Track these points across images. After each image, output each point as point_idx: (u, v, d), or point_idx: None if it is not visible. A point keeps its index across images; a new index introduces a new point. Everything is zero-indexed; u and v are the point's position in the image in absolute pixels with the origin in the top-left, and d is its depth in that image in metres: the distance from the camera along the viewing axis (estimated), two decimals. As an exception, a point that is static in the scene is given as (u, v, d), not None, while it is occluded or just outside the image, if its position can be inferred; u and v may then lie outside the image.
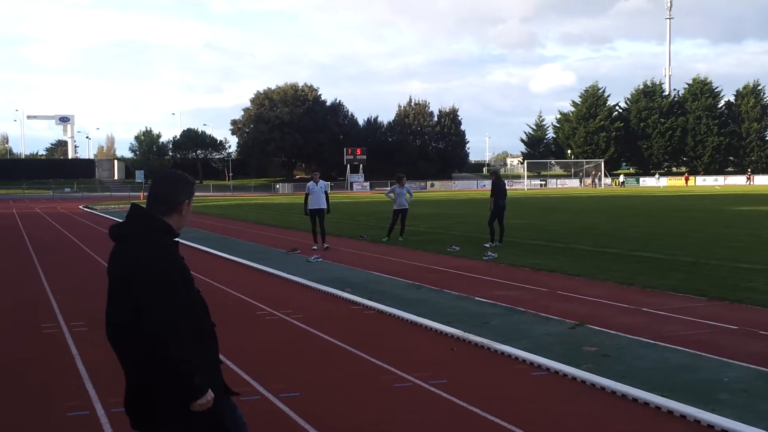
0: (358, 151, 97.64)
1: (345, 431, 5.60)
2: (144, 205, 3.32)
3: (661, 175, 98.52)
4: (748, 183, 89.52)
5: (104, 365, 7.60)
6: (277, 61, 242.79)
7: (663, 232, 21.82)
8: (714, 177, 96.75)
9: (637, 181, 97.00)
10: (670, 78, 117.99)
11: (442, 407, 6.12)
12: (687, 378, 6.78)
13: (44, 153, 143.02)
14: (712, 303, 10.45)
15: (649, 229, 23.36)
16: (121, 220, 3.29)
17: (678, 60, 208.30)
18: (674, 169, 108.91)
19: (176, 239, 3.29)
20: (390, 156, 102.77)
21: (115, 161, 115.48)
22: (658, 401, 5.96)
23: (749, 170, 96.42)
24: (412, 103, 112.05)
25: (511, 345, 7.95)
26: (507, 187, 19.92)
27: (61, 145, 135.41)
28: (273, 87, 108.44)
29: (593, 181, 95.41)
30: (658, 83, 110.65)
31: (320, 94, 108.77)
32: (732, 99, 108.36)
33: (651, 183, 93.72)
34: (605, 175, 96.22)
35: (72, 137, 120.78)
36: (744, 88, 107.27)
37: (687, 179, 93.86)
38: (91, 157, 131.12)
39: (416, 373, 7.03)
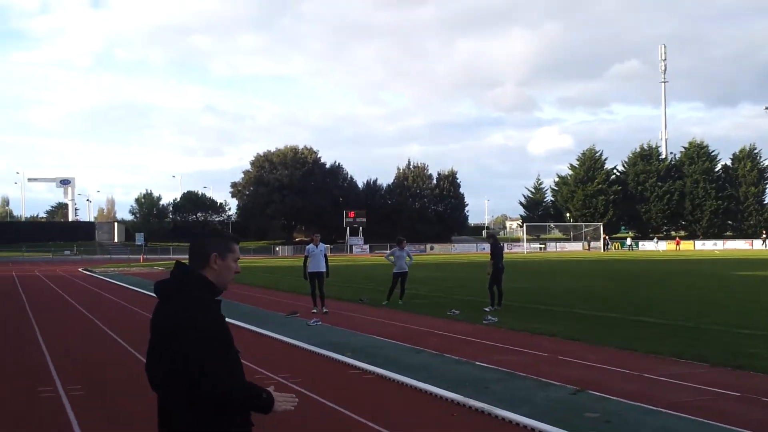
0: (352, 214, 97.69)
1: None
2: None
3: (659, 239, 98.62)
4: (764, 246, 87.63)
5: (100, 428, 7.53)
6: (277, 123, 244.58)
7: (663, 297, 21.78)
8: (713, 241, 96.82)
9: (636, 245, 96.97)
10: (666, 141, 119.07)
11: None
12: (690, 445, 6.71)
13: (45, 215, 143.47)
14: (714, 369, 10.39)
15: (649, 293, 23.32)
16: (163, 278, 3.33)
17: (674, 123, 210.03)
18: (673, 233, 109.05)
19: (219, 298, 3.31)
20: (389, 218, 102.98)
21: (116, 224, 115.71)
22: (662, 469, 5.89)
23: (764, 231, 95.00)
24: (411, 166, 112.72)
25: (512, 410, 7.87)
26: (505, 251, 19.93)
27: (62, 207, 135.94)
28: (273, 150, 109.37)
29: (604, 245, 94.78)
30: (654, 146, 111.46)
31: (320, 157, 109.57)
32: (729, 162, 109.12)
33: (650, 247, 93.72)
34: (606, 239, 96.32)
35: (72, 200, 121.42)
36: (740, 151, 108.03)
37: (678, 243, 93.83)
38: (92, 219, 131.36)
39: (417, 440, 6.96)
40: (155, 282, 3.36)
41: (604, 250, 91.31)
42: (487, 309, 18.41)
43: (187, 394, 3.08)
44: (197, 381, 3.04)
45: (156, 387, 3.22)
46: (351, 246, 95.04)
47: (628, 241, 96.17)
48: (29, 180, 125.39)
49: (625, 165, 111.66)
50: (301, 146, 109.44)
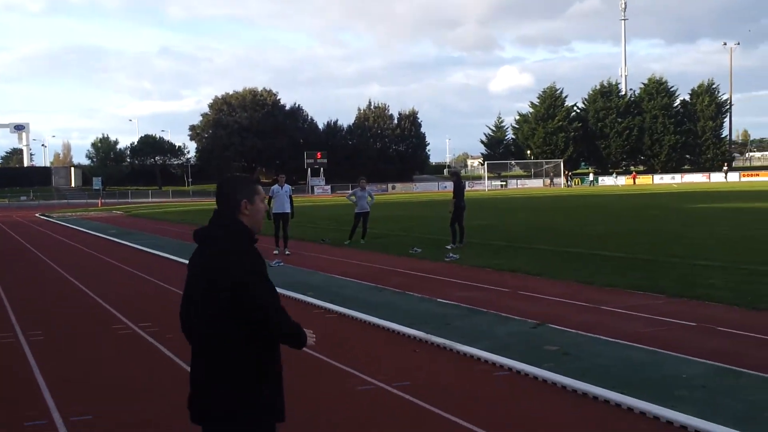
0: (318, 155, 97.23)
1: (308, 436, 5.57)
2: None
3: (618, 174, 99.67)
4: (725, 179, 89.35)
5: (62, 375, 7.48)
6: (235, 66, 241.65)
7: (622, 231, 22.06)
8: (671, 175, 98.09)
9: (597, 180, 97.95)
10: (626, 78, 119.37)
11: (406, 409, 6.11)
12: (647, 375, 6.85)
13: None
14: (671, 300, 10.58)
15: (608, 228, 23.60)
16: (202, 226, 3.49)
17: (634, 60, 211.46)
18: (632, 168, 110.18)
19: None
20: (350, 159, 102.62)
21: (72, 168, 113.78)
22: (618, 399, 6.01)
23: (725, 164, 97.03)
24: (372, 107, 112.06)
25: (473, 346, 7.97)
26: (467, 189, 19.97)
27: (17, 153, 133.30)
28: (231, 92, 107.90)
29: (566, 180, 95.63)
30: (614, 83, 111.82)
31: (279, 99, 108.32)
32: (687, 98, 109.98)
33: (609, 182, 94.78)
34: (568, 175, 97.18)
35: (27, 145, 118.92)
36: (699, 87, 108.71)
37: (635, 178, 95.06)
38: (48, 164, 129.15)
39: (379, 376, 7.02)
40: (195, 229, 3.48)
41: (566, 185, 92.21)
42: (448, 246, 18.51)
43: (234, 334, 3.25)
44: (256, 317, 3.25)
45: (198, 330, 3.36)
46: (312, 187, 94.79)
47: (591, 177, 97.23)
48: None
49: (585, 102, 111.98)
50: (260, 88, 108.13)
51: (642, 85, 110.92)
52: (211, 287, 3.27)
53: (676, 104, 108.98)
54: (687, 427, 5.41)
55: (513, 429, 5.61)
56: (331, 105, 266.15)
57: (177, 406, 6.30)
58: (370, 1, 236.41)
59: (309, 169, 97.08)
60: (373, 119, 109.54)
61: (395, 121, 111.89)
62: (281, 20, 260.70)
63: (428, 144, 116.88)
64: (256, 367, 3.33)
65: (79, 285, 14.23)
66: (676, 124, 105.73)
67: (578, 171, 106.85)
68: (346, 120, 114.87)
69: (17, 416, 6.20)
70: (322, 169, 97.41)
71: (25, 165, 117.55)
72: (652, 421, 5.62)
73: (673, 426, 5.49)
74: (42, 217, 46.43)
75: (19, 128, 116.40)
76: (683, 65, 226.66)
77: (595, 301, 10.61)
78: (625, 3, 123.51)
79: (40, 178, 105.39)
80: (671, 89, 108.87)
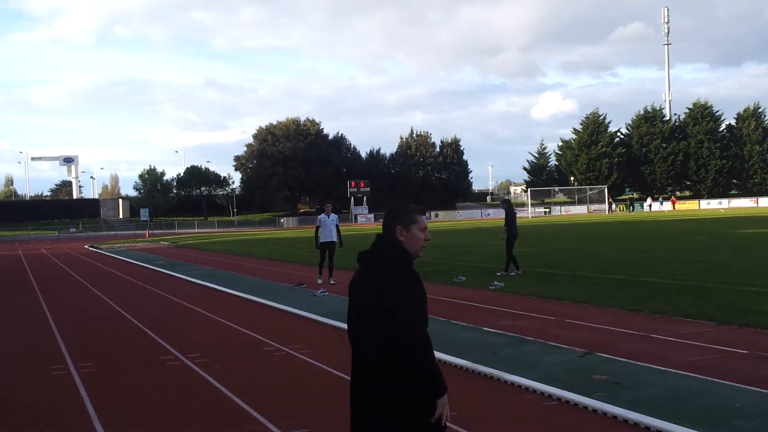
0: (362, 183, 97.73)
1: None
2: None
3: (664, 199, 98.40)
4: None
5: (113, 404, 7.58)
6: (279, 96, 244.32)
7: (669, 257, 21.75)
8: (718, 200, 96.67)
9: (641, 206, 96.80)
10: (670, 103, 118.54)
11: (453, 440, 6.07)
12: (699, 404, 6.73)
13: (49, 194, 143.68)
14: (721, 327, 10.40)
15: (655, 254, 23.28)
16: (365, 250, 3.71)
17: (678, 85, 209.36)
18: (678, 193, 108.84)
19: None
20: (393, 187, 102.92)
21: (120, 200, 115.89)
22: (671, 428, 5.91)
23: None
24: (414, 135, 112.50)
25: (521, 375, 7.90)
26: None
27: (66, 185, 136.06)
28: (275, 122, 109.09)
29: (629, 206, 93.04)
30: (658, 108, 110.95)
31: (322, 128, 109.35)
32: (733, 122, 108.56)
33: (655, 207, 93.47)
34: (611, 200, 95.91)
35: (76, 177, 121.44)
36: (745, 111, 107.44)
37: (674, 203, 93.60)
38: (96, 196, 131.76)
39: (426, 406, 6.98)
40: (360, 252, 3.69)
41: (629, 211, 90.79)
42: (512, 274, 18.37)
43: (397, 355, 3.37)
44: (402, 335, 3.34)
45: (369, 352, 3.49)
46: (356, 216, 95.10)
47: (648, 202, 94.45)
48: (33, 159, 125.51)
49: (629, 128, 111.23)
50: (303, 118, 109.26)
51: (687, 110, 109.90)
52: (372, 308, 3.47)
53: (721, 129, 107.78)
54: (742, 458, 5.30)
55: (563, 460, 5.54)
56: (374, 134, 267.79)
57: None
58: (412, 29, 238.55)
59: (352, 198, 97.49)
60: (415, 147, 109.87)
61: (437, 149, 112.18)
62: (324, 50, 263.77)
63: (470, 171, 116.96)
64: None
65: (126, 315, 14.41)
66: (722, 149, 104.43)
67: (622, 197, 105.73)
68: (389, 149, 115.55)
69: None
70: (365, 197, 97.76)
71: (75, 197, 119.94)
72: (706, 452, 5.51)
73: (727, 457, 5.38)
74: (91, 248, 47.19)
75: (68, 161, 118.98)
76: (728, 89, 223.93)
77: (643, 329, 10.45)
78: (668, 27, 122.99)
79: (88, 209, 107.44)
80: (716, 113, 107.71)
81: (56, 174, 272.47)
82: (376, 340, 3.44)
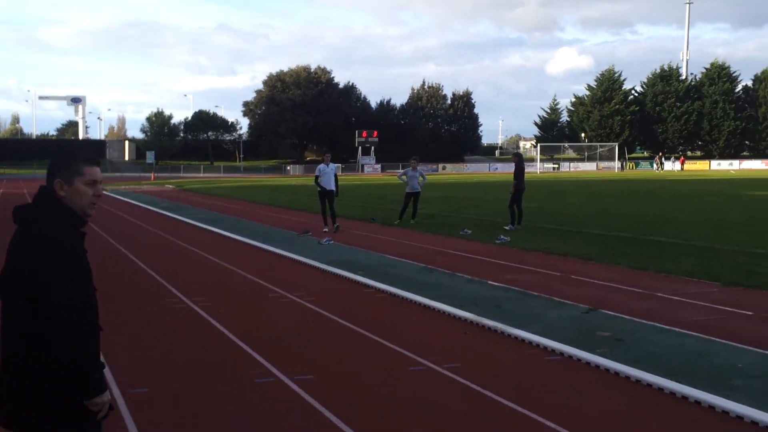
0: (374, 133, 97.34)
1: (359, 415, 5.59)
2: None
3: (675, 159, 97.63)
4: None
5: (118, 347, 7.62)
6: (291, 43, 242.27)
7: (677, 216, 21.68)
8: (729, 161, 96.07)
9: (651, 164, 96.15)
10: (687, 62, 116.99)
11: (456, 391, 6.10)
12: (701, 363, 6.74)
13: (55, 133, 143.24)
14: (727, 288, 10.38)
15: (663, 213, 23.21)
16: (27, 202, 3.24)
17: (698, 44, 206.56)
18: (689, 153, 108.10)
19: (82, 229, 3.22)
20: (402, 138, 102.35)
21: (126, 142, 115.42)
22: (672, 387, 5.92)
23: None
24: (426, 86, 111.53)
25: (525, 329, 7.91)
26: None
27: (72, 125, 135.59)
28: (286, 69, 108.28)
29: (658, 164, 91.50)
30: (675, 67, 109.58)
31: (333, 77, 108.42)
32: (750, 84, 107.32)
33: (667, 167, 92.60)
34: (623, 158, 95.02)
35: (83, 118, 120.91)
36: (762, 72, 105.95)
37: (683, 163, 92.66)
38: (102, 137, 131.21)
39: (430, 357, 7.01)
40: (15, 206, 3.19)
41: (620, 169, 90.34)
42: (507, 228, 18.38)
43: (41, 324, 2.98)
44: (43, 299, 2.96)
45: (15, 320, 3.06)
46: (362, 165, 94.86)
47: (656, 163, 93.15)
48: (40, 98, 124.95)
49: (644, 86, 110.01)
50: (314, 66, 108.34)
51: (704, 70, 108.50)
52: (15, 263, 3.07)
53: (737, 90, 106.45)
54: (743, 417, 5.31)
55: (565, 414, 5.56)
56: (386, 84, 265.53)
57: (227, 382, 6.39)
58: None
59: (360, 148, 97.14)
60: (426, 99, 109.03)
61: (448, 102, 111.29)
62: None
63: (481, 125, 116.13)
64: None
65: (132, 257, 14.47)
66: (737, 110, 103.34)
67: (634, 155, 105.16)
68: (400, 100, 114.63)
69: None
70: (372, 147, 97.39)
71: (81, 138, 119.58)
72: (707, 410, 5.53)
73: (728, 415, 5.39)
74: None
75: (75, 101, 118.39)
76: (748, 51, 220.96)
77: (648, 288, 10.44)
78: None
79: (94, 150, 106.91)
80: (734, 74, 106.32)
81: (63, 114, 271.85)
82: (19, 303, 3.01)
